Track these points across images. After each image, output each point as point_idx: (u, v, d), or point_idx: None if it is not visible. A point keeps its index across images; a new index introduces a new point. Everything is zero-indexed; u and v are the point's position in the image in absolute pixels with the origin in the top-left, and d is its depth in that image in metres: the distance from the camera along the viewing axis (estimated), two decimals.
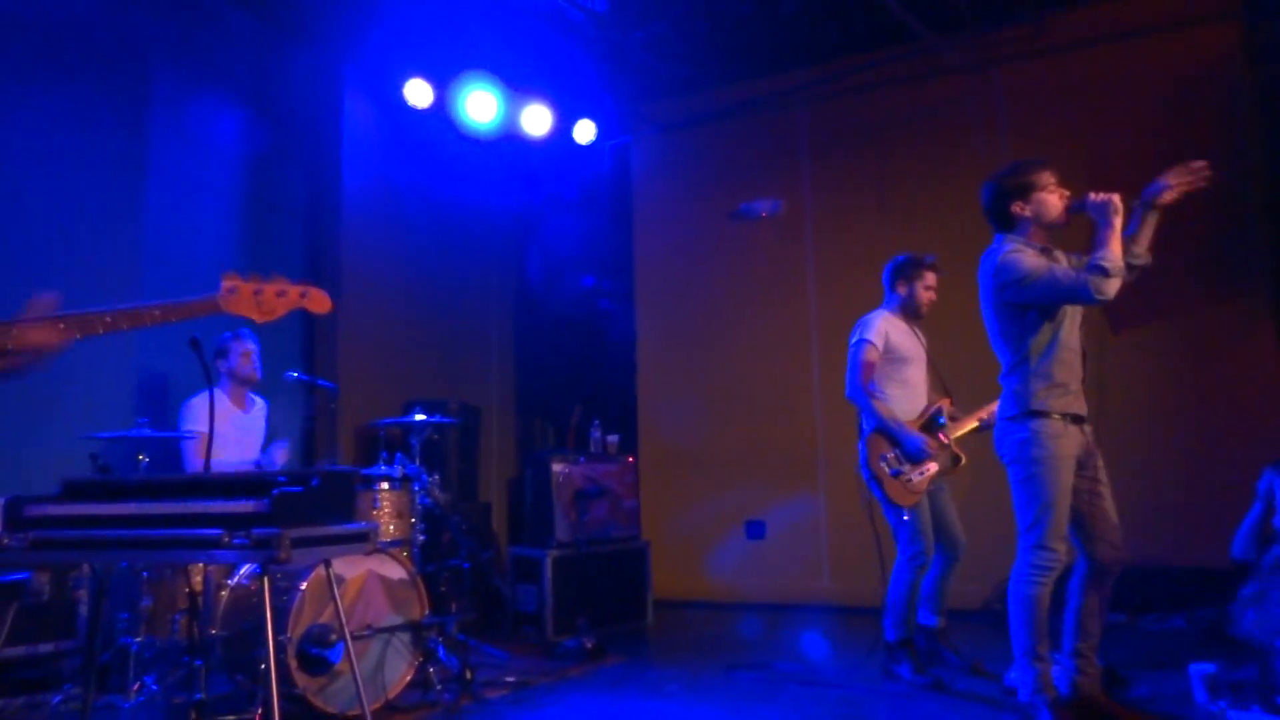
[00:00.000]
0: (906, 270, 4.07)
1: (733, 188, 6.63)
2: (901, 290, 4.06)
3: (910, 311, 4.06)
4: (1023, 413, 3.06)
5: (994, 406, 3.91)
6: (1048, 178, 3.10)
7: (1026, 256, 3.03)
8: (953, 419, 3.94)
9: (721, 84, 6.70)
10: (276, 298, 2.18)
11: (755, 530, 6.38)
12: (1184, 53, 5.48)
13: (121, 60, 4.78)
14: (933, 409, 3.95)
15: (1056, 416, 3.02)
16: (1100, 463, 3.15)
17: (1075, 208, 3.04)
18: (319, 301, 2.25)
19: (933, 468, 3.81)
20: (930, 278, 4.06)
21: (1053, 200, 3.08)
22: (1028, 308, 3.05)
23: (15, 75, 4.34)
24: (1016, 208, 3.12)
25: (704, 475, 6.50)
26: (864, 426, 3.93)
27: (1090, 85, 5.67)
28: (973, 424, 3.94)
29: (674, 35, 6.08)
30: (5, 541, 2.46)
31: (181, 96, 5.10)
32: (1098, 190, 2.97)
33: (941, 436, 3.86)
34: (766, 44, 6.18)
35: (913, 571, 3.82)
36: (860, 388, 3.88)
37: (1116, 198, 2.91)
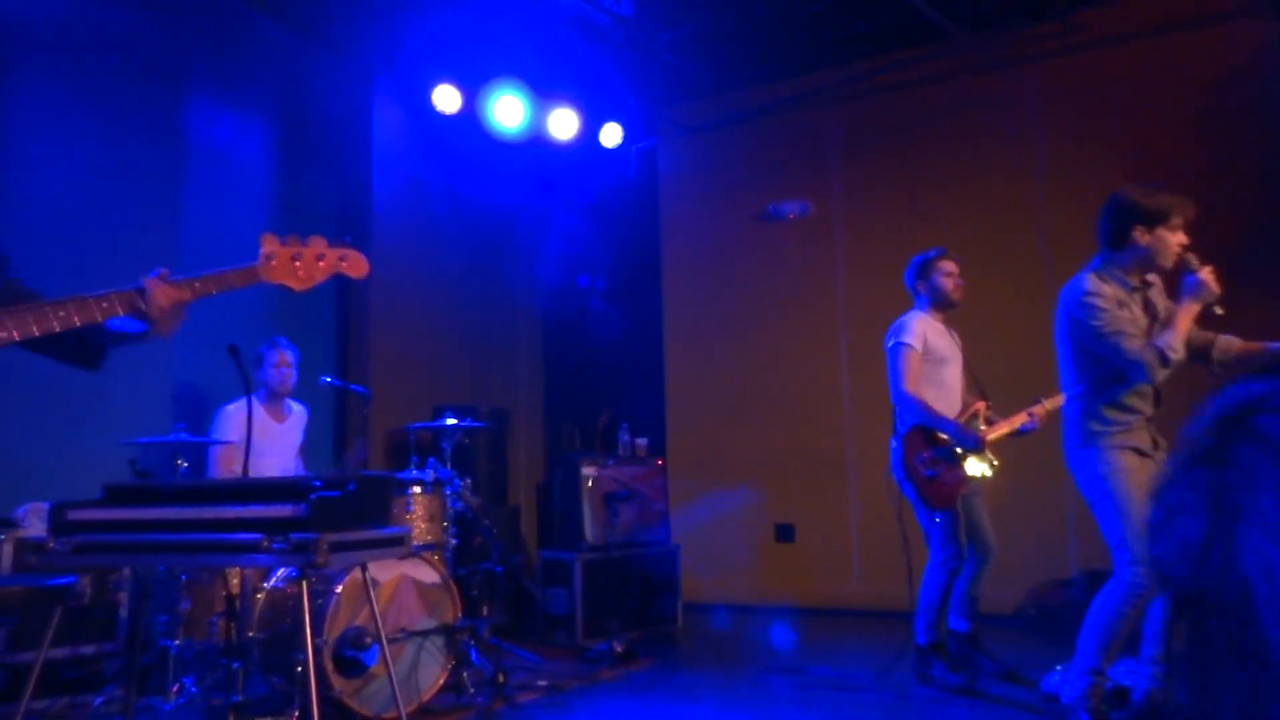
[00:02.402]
0: (920, 268, 4.05)
1: (761, 189, 6.61)
2: (924, 289, 4.03)
3: (942, 304, 4.02)
4: (1084, 441, 3.05)
5: (1030, 412, 3.88)
6: (1179, 219, 2.98)
7: (1107, 306, 2.95)
8: (989, 422, 3.89)
9: (749, 85, 6.68)
10: (315, 262, 2.10)
11: (785, 533, 6.35)
12: (1217, 48, 5.40)
13: (159, 72, 4.86)
14: (969, 412, 3.90)
15: (1127, 449, 2.99)
16: None
17: (1182, 265, 2.97)
18: (357, 265, 2.16)
19: (968, 470, 3.77)
20: (946, 265, 4.01)
21: (1171, 243, 2.97)
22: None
23: (57, 88, 4.43)
24: (1137, 232, 2.99)
25: (733, 478, 6.48)
26: (898, 426, 3.89)
27: (1123, 82, 5.59)
28: (1008, 428, 3.88)
29: (700, 37, 6.07)
30: (50, 546, 2.51)
31: (217, 106, 5.18)
32: (1203, 258, 2.94)
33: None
34: (794, 44, 6.15)
35: (945, 575, 3.78)
36: (904, 392, 3.85)
37: (1214, 284, 2.88)
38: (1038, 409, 3.90)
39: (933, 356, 3.91)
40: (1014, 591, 5.35)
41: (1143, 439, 3.02)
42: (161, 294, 1.92)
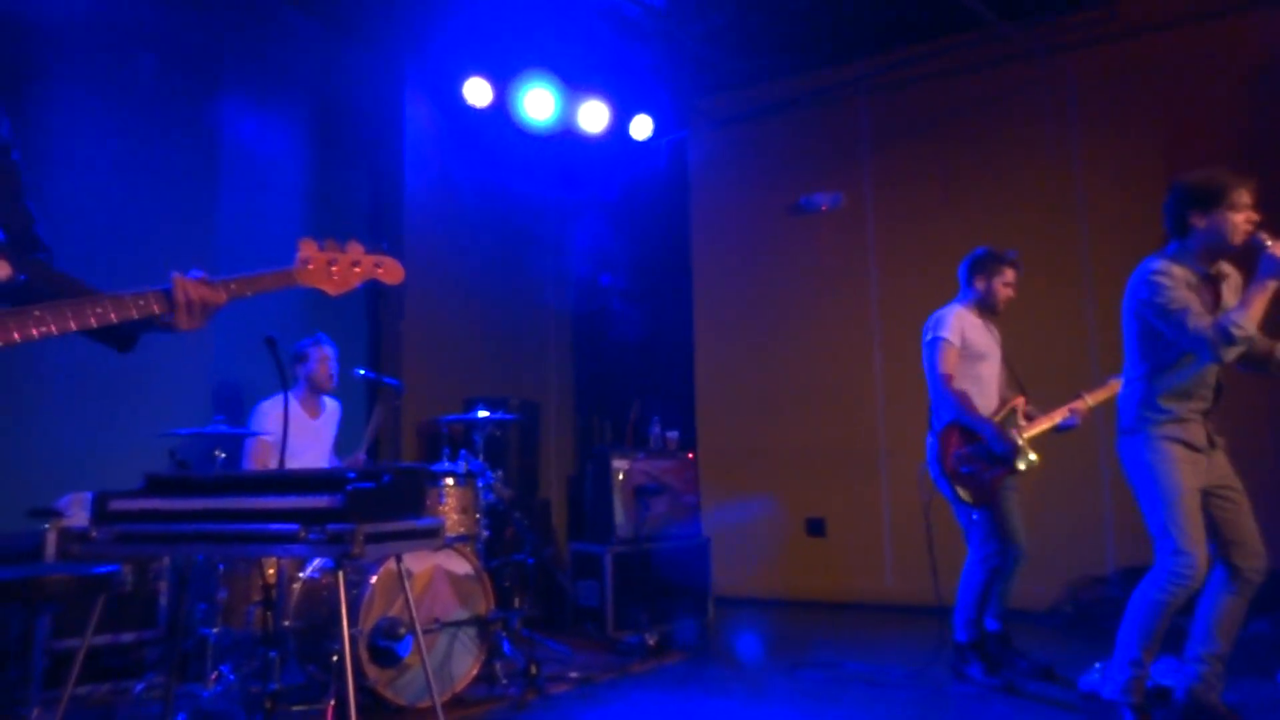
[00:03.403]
0: (986, 265, 3.94)
1: (792, 181, 6.56)
2: (979, 286, 3.94)
3: (987, 308, 3.95)
4: (1135, 426, 3.01)
5: (1071, 407, 3.81)
6: (1240, 196, 2.88)
7: (1174, 285, 2.87)
8: (1028, 418, 3.82)
9: (780, 76, 6.63)
10: (351, 268, 2.12)
11: (815, 527, 6.31)
12: (1259, 33, 5.26)
13: (192, 68, 4.91)
14: (1007, 408, 3.83)
15: (1175, 440, 2.94)
16: (1230, 470, 3.03)
17: (1253, 242, 2.86)
18: (392, 272, 2.18)
19: (1006, 467, 3.71)
20: (1010, 274, 3.93)
21: (1235, 222, 2.87)
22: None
23: (90, 86, 4.50)
24: (1194, 217, 2.91)
25: (764, 471, 6.46)
26: (934, 423, 3.84)
27: (1166, 69, 5.47)
28: (1048, 424, 3.81)
29: (731, 28, 6.03)
30: (93, 535, 2.56)
31: (250, 102, 5.23)
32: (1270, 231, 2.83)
33: (1015, 435, 3.75)
34: (826, 34, 6.09)
35: (986, 572, 3.73)
36: (943, 388, 3.79)
37: None
38: (1079, 404, 3.83)
39: (970, 352, 3.85)
40: (1050, 588, 5.28)
41: (1196, 434, 2.96)
42: (192, 291, 1.93)
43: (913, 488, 5.46)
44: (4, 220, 1.80)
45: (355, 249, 2.13)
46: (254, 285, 2.03)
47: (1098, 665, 3.45)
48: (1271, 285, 2.79)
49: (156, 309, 1.89)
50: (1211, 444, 3.00)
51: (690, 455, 5.75)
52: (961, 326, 3.85)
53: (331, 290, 2.10)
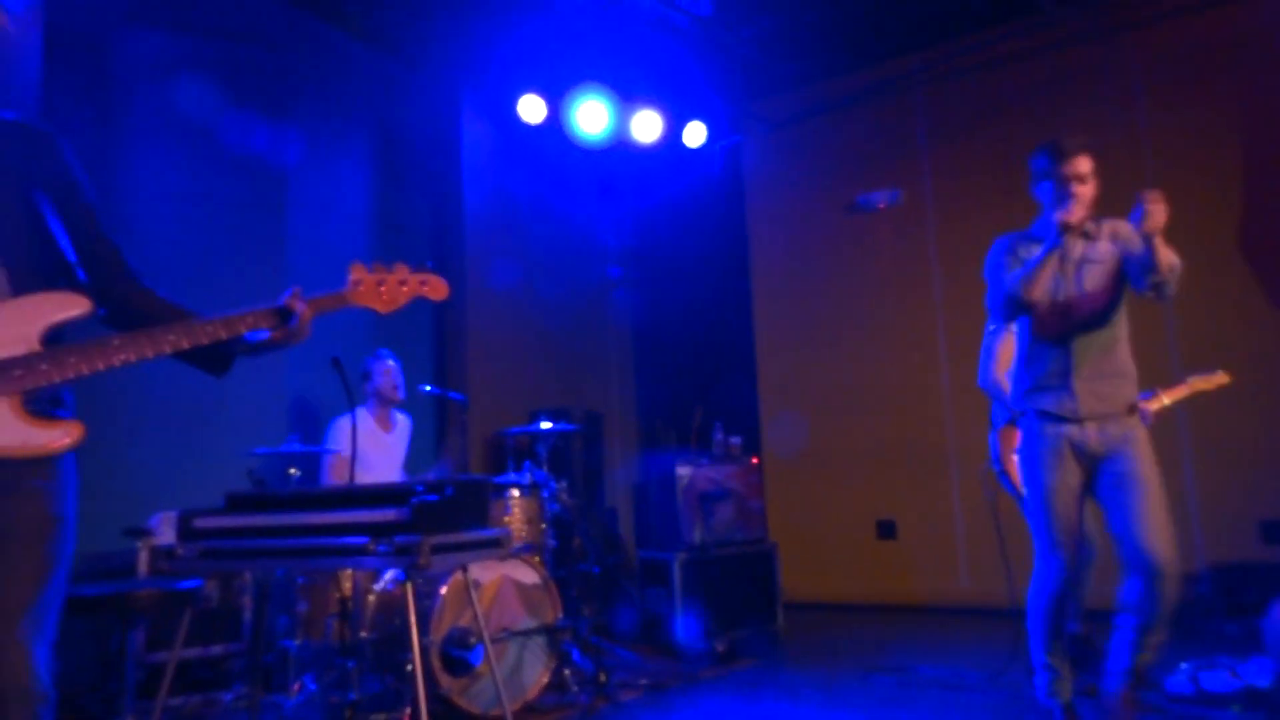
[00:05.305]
0: None
1: (849, 180, 6.50)
2: None
3: None
4: (1015, 416, 3.08)
5: (1143, 406, 3.68)
6: (1079, 165, 3.04)
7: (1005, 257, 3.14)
8: None
9: (832, 75, 6.58)
10: (398, 287, 2.21)
11: (886, 530, 6.22)
12: None
13: (261, 103, 5.12)
14: None
15: (1035, 414, 2.94)
16: (1134, 451, 2.83)
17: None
18: (437, 288, 2.27)
19: None
20: None
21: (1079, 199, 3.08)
22: None
23: (164, 122, 4.73)
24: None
25: (830, 474, 6.39)
26: (995, 419, 3.76)
27: (1233, 43, 5.25)
28: None
29: (781, 30, 6.01)
30: (179, 552, 2.69)
31: (315, 132, 5.42)
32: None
33: None
34: (877, 30, 6.03)
35: None
36: (993, 377, 3.71)
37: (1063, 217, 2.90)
38: (1153, 403, 3.67)
39: None
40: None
41: (1063, 406, 2.88)
42: (305, 307, 2.07)
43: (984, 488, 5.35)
44: (85, 261, 1.91)
45: (401, 269, 2.23)
46: (315, 306, 2.14)
47: (1183, 666, 3.33)
48: (1053, 252, 2.94)
49: (263, 324, 2.01)
50: (1092, 418, 2.86)
51: (754, 460, 5.72)
52: None
53: (381, 308, 2.20)
